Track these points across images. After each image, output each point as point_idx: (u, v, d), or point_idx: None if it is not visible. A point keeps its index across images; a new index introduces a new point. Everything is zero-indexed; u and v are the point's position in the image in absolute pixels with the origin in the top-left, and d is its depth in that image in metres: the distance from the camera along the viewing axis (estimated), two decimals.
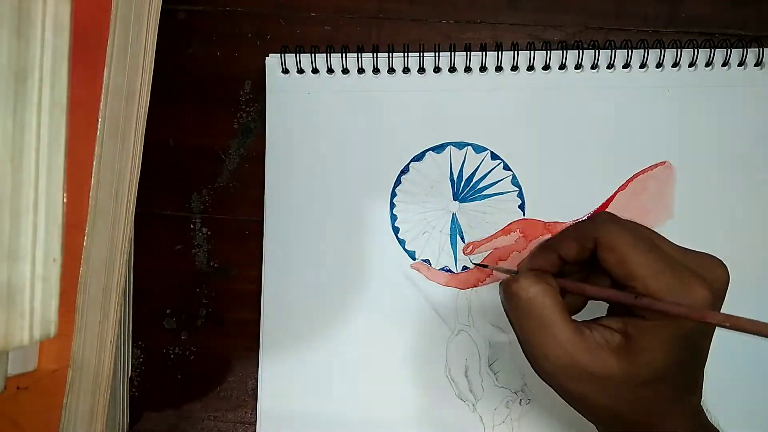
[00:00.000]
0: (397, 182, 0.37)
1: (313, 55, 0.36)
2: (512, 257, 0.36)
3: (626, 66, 0.36)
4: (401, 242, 0.36)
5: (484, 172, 0.36)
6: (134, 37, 0.28)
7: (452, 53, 0.36)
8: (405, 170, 0.37)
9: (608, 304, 0.28)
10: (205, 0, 0.38)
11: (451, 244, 0.36)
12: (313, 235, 0.36)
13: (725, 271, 0.24)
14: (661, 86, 0.36)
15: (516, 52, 0.36)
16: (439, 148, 0.36)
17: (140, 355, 0.38)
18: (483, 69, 0.36)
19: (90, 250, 0.27)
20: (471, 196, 0.36)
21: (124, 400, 0.36)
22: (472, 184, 0.36)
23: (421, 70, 0.36)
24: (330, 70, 0.36)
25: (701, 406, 0.27)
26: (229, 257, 0.38)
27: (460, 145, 0.36)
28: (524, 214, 0.36)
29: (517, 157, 0.36)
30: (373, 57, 0.36)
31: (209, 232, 0.38)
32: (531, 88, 0.36)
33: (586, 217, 0.36)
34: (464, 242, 0.36)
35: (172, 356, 0.38)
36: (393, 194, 0.37)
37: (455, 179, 0.36)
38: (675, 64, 0.36)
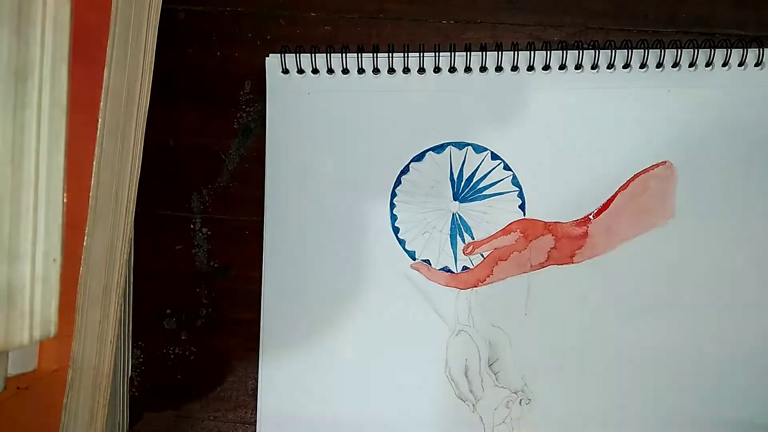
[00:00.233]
0: (397, 182, 0.37)
1: (313, 55, 0.36)
2: (512, 257, 0.36)
3: (626, 66, 0.36)
4: (401, 242, 0.36)
5: (484, 172, 0.36)
6: (134, 37, 0.28)
7: (452, 53, 0.36)
8: (405, 170, 0.37)
9: None
10: (205, 0, 0.38)
11: (451, 244, 0.36)
12: (313, 235, 0.36)
13: None
14: (661, 86, 0.36)
15: (516, 52, 0.36)
16: (439, 148, 0.36)
17: (140, 355, 0.38)
18: (483, 69, 0.36)
19: (90, 250, 0.27)
20: (471, 196, 0.36)
21: (124, 400, 0.36)
22: (472, 184, 0.36)
23: (421, 70, 0.36)
24: (330, 70, 0.36)
25: None
26: (229, 257, 0.38)
27: (460, 145, 0.36)
28: (524, 214, 0.36)
29: (517, 157, 0.36)
30: (373, 57, 0.36)
31: (209, 232, 0.38)
32: (531, 88, 0.36)
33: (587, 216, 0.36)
34: (464, 242, 0.36)
35: (172, 356, 0.38)
36: (393, 194, 0.37)
37: (455, 179, 0.36)
38: (675, 64, 0.36)
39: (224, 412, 0.37)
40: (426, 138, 0.36)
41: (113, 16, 0.26)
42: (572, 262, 0.36)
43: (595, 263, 0.36)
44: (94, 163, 0.26)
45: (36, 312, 0.20)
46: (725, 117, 0.36)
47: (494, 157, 0.36)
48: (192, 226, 0.38)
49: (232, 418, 0.37)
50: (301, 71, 0.37)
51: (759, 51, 0.35)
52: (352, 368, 0.36)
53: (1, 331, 0.19)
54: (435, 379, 0.36)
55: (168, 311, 0.38)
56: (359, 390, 0.36)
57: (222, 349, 0.37)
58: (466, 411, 0.36)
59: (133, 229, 0.32)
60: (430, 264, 0.36)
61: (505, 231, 0.36)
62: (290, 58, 0.36)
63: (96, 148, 0.26)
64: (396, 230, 0.36)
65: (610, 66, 0.36)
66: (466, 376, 0.36)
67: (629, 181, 0.36)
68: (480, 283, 0.36)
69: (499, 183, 0.36)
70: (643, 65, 0.36)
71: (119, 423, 0.35)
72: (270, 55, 0.37)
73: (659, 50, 0.35)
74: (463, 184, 0.36)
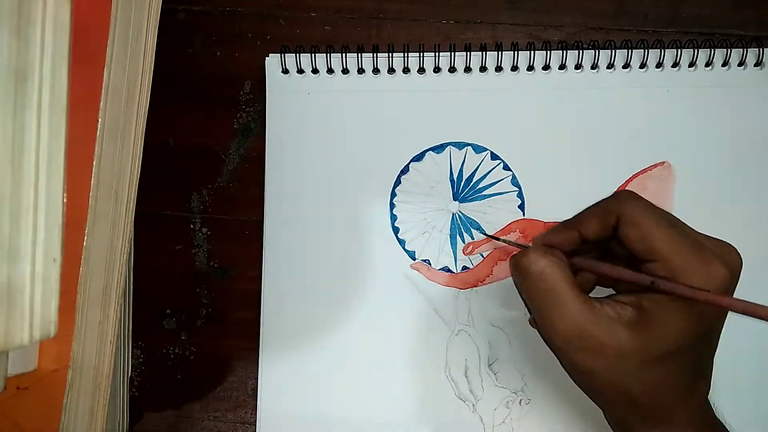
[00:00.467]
0: (397, 182, 0.37)
1: (313, 55, 0.36)
2: None
3: (626, 66, 0.36)
4: (401, 242, 0.36)
5: (484, 172, 0.36)
6: (134, 37, 0.28)
7: (452, 53, 0.36)
8: (405, 170, 0.37)
9: (616, 291, 0.28)
10: (205, 0, 0.38)
11: (451, 244, 0.36)
12: (313, 235, 0.36)
13: (740, 258, 0.25)
14: (661, 86, 0.36)
15: (516, 52, 0.36)
16: (439, 148, 0.36)
17: (140, 355, 0.38)
18: (483, 69, 0.36)
19: (90, 250, 0.27)
20: (471, 196, 0.36)
21: (124, 400, 0.36)
22: (472, 184, 0.36)
23: (421, 70, 0.36)
24: (330, 70, 0.36)
25: (709, 401, 0.27)
26: (229, 257, 0.38)
27: (460, 145, 0.36)
28: (524, 214, 0.36)
29: (517, 157, 0.36)
30: (373, 57, 0.36)
31: (209, 232, 0.38)
32: (531, 88, 0.36)
33: None
34: (464, 242, 0.36)
35: (172, 356, 0.38)
36: (393, 194, 0.37)
37: (455, 179, 0.36)
38: (675, 64, 0.36)
39: (224, 412, 0.37)
40: (426, 138, 0.36)
41: (113, 16, 0.26)
42: None
43: None
44: (94, 163, 0.26)
45: (36, 312, 0.20)
46: (725, 117, 0.36)
47: (494, 157, 0.36)
48: (192, 226, 0.38)
49: (232, 418, 0.37)
50: (301, 71, 0.37)
51: (759, 51, 0.35)
52: (351, 368, 0.36)
53: (1, 331, 0.19)
54: (435, 379, 0.36)
55: (168, 311, 0.38)
56: (359, 390, 0.36)
57: (222, 349, 0.37)
58: (466, 411, 0.36)
59: (133, 229, 0.32)
60: (430, 264, 0.36)
61: (505, 231, 0.36)
62: (290, 58, 0.36)
63: (96, 148, 0.26)
64: (396, 230, 0.36)
65: (610, 66, 0.36)
66: (466, 376, 0.36)
67: (628, 182, 0.36)
68: (480, 283, 0.36)
69: (498, 183, 0.36)
70: (643, 65, 0.36)
71: (119, 423, 0.35)
72: (270, 55, 0.37)
73: (659, 50, 0.35)
74: (462, 184, 0.36)
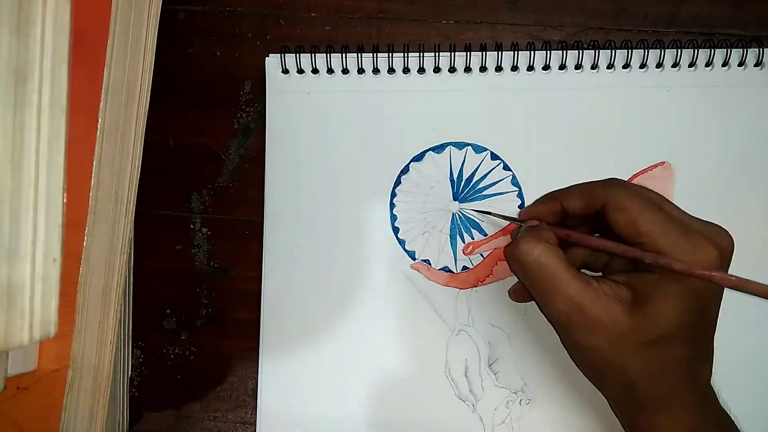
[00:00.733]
0: (397, 182, 0.37)
1: (313, 55, 0.36)
2: None
3: (626, 66, 0.36)
4: (401, 242, 0.36)
5: (484, 172, 0.36)
6: (134, 37, 0.28)
7: (452, 53, 0.36)
8: (405, 170, 0.37)
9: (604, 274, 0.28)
10: (205, 0, 0.38)
11: (451, 244, 0.36)
12: (313, 235, 0.36)
13: (731, 240, 0.25)
14: (661, 86, 0.36)
15: (516, 52, 0.36)
16: (439, 148, 0.36)
17: (140, 355, 0.38)
18: (483, 69, 0.36)
19: (90, 250, 0.27)
20: (471, 196, 0.36)
21: (124, 400, 0.36)
22: (472, 184, 0.36)
23: (421, 70, 0.36)
24: (330, 70, 0.36)
25: (712, 387, 0.27)
26: (229, 257, 0.38)
27: (460, 145, 0.36)
28: None
29: (517, 157, 0.36)
30: (373, 57, 0.36)
31: (209, 232, 0.38)
32: (531, 88, 0.36)
33: None
34: (464, 242, 0.36)
35: (172, 356, 0.38)
36: (393, 194, 0.37)
37: (455, 179, 0.36)
38: (675, 64, 0.36)
39: (224, 412, 0.37)
40: (426, 138, 0.36)
41: (113, 16, 0.26)
42: None
43: None
44: (94, 163, 0.26)
45: (36, 312, 0.20)
46: (725, 117, 0.36)
47: (494, 157, 0.36)
48: (192, 226, 0.38)
49: (232, 418, 0.37)
50: (301, 71, 0.37)
51: (759, 51, 0.35)
52: (351, 368, 0.36)
53: (1, 331, 0.19)
54: (435, 379, 0.36)
55: (168, 311, 0.38)
56: (359, 390, 0.36)
57: (222, 349, 0.37)
58: (466, 411, 0.36)
59: (133, 229, 0.32)
60: (430, 264, 0.36)
61: (505, 231, 0.36)
62: (290, 58, 0.36)
63: (96, 148, 0.26)
64: (396, 230, 0.36)
65: (610, 66, 0.36)
66: (466, 376, 0.36)
67: (628, 181, 0.36)
68: (480, 283, 0.36)
69: (499, 183, 0.36)
70: (643, 65, 0.36)
71: (119, 423, 0.35)
72: (270, 55, 0.37)
73: (659, 50, 0.35)
74: (462, 184, 0.36)
